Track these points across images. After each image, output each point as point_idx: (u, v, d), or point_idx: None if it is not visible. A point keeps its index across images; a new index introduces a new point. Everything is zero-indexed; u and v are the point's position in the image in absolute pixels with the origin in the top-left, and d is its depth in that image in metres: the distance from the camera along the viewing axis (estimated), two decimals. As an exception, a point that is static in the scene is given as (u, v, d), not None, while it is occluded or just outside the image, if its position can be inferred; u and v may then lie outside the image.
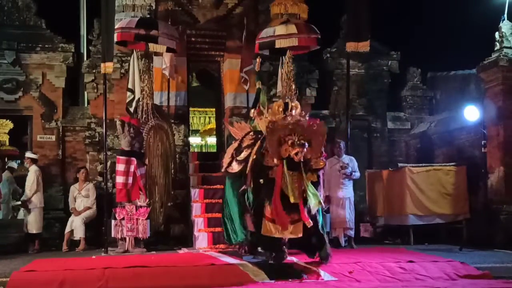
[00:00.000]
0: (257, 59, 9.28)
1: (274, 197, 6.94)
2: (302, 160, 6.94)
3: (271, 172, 7.07)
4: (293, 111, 7.49)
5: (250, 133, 7.94)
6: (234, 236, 8.34)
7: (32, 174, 10.53)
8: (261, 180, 7.13)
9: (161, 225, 10.19)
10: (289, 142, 6.92)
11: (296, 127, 7.00)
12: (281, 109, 7.47)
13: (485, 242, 9.48)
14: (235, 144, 8.21)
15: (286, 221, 6.98)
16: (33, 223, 10.40)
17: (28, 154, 10.97)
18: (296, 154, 6.87)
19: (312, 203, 6.90)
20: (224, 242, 9.01)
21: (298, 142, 6.88)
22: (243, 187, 7.81)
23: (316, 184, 7.13)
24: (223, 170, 8.34)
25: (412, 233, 10.31)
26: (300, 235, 7.17)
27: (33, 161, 10.78)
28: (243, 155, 7.79)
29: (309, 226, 7.01)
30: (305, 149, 6.87)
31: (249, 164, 7.42)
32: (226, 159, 8.26)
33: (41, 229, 10.53)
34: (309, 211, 7.01)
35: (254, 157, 7.23)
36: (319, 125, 7.17)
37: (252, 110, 8.92)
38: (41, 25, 11.89)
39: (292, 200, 6.88)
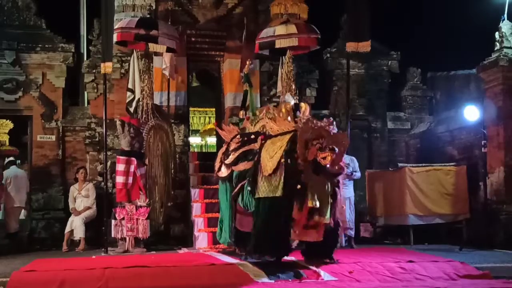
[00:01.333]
0: (247, 62, 9.29)
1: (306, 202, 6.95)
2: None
3: (302, 176, 7.05)
4: (305, 113, 7.53)
5: (237, 136, 7.94)
6: (225, 236, 8.48)
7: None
8: (299, 186, 7.02)
9: (161, 225, 10.20)
10: (317, 146, 6.89)
11: (323, 132, 6.98)
12: (290, 111, 7.48)
13: (485, 242, 9.48)
14: (223, 148, 8.23)
15: (303, 224, 7.03)
16: (8, 222, 10.63)
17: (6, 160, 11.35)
18: (324, 158, 6.85)
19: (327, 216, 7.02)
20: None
21: (330, 147, 6.86)
22: (235, 190, 7.83)
23: (335, 188, 7.21)
24: (215, 174, 8.37)
25: (412, 233, 10.29)
26: (319, 239, 7.18)
27: (11, 163, 11.14)
28: (230, 158, 7.79)
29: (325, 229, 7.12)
30: (334, 155, 6.87)
31: (278, 169, 7.22)
32: (217, 163, 8.30)
33: (13, 228, 10.70)
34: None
35: (283, 160, 7.17)
36: (343, 135, 7.22)
37: (241, 112, 8.97)
38: (41, 25, 11.89)
39: (309, 204, 6.88)
